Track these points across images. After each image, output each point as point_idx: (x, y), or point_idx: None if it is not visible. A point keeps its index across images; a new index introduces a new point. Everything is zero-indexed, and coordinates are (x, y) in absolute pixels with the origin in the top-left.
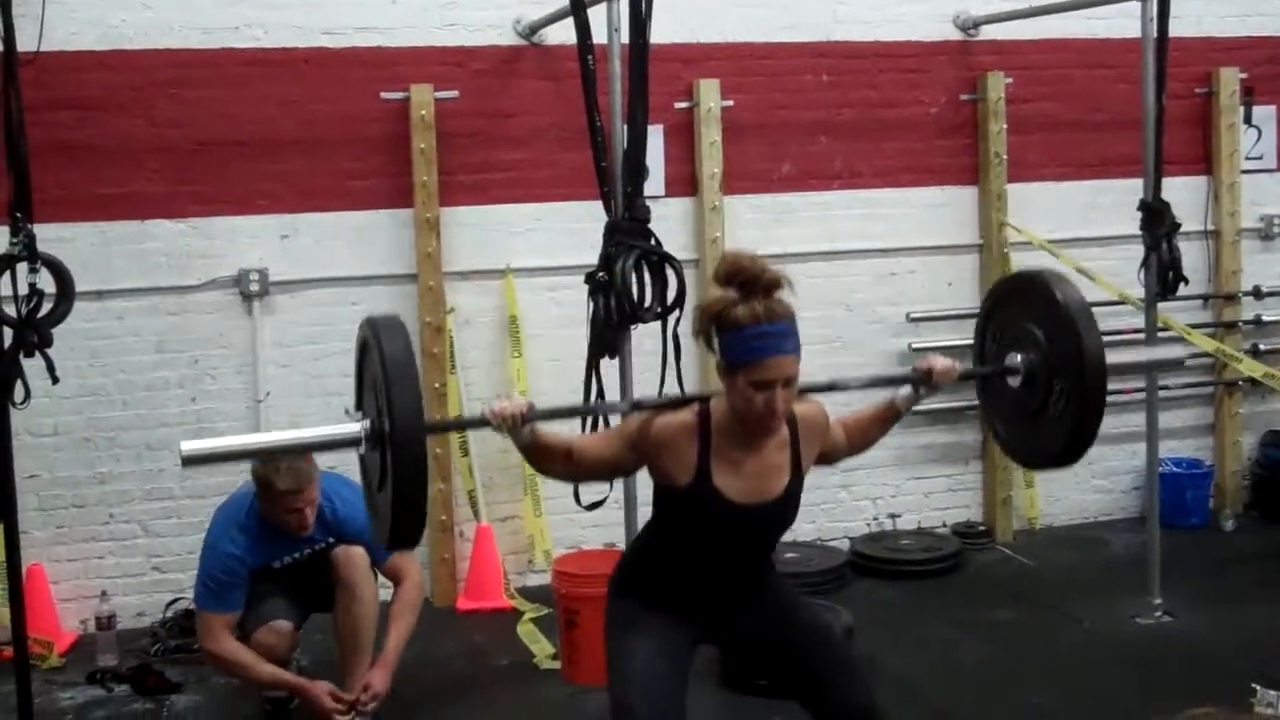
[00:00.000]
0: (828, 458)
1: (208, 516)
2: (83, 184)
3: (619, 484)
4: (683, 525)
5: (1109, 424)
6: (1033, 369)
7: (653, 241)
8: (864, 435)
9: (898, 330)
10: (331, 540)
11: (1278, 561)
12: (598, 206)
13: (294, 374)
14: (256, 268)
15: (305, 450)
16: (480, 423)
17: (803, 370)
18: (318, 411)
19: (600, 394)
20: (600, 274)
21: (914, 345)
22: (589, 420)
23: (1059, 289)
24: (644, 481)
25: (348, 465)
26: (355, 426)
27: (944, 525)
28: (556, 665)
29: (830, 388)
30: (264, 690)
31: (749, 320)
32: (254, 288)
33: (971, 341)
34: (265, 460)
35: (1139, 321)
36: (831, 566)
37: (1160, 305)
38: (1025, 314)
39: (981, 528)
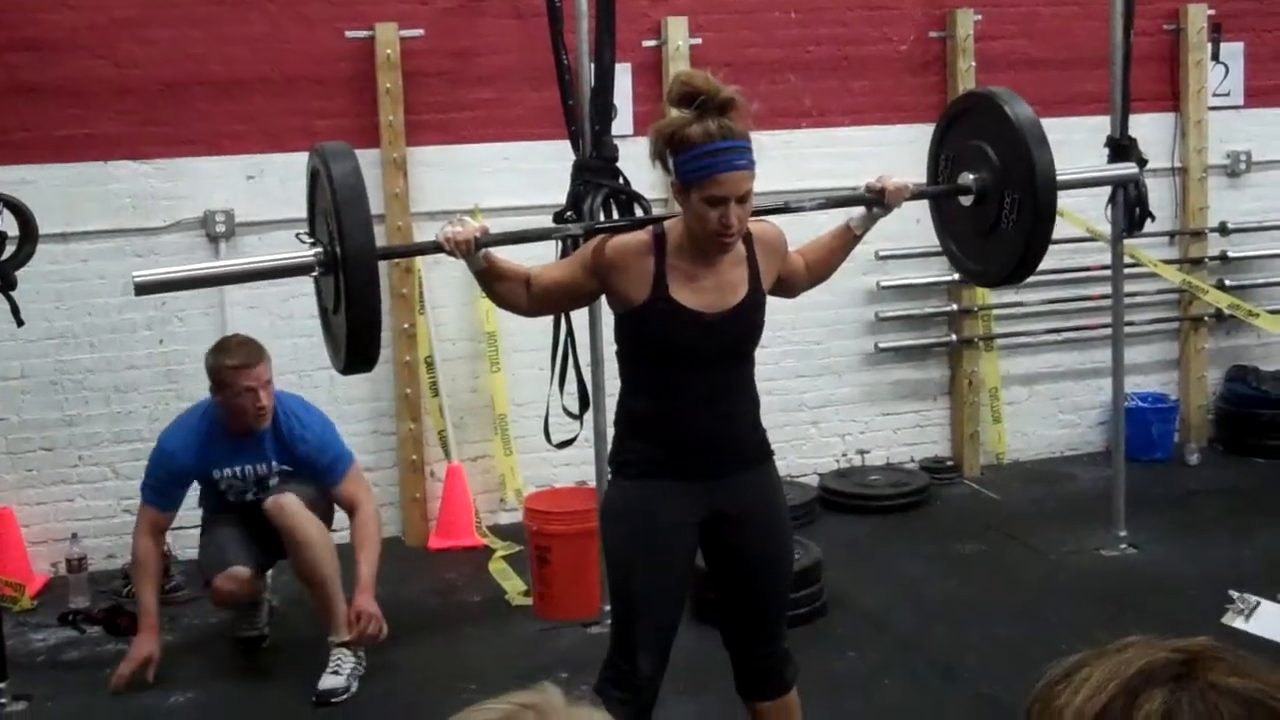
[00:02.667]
0: (788, 285)
1: None
2: (44, 125)
3: (589, 420)
4: (650, 349)
5: (1075, 359)
6: (985, 187)
7: (621, 180)
8: (822, 261)
9: (866, 268)
10: (276, 464)
11: (1240, 495)
12: (566, 146)
13: (261, 315)
14: (222, 209)
15: (259, 278)
16: (434, 248)
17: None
18: (286, 353)
19: (570, 335)
20: (568, 213)
21: (882, 283)
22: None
23: (1009, 105)
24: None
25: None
26: (308, 252)
27: (912, 460)
28: (528, 602)
29: (784, 209)
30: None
31: (702, 138)
32: (220, 229)
33: (942, 280)
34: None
35: (1106, 258)
36: (801, 502)
37: (1127, 241)
38: (977, 132)
39: (949, 463)
